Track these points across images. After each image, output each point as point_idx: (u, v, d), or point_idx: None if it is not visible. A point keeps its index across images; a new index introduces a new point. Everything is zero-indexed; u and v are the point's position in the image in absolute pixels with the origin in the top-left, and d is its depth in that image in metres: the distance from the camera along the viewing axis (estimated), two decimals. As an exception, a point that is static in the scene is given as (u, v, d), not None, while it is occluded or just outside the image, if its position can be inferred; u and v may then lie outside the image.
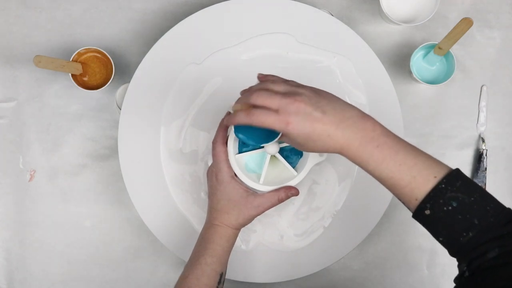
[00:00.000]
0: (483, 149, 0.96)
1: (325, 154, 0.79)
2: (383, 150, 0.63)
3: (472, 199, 0.60)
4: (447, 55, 0.92)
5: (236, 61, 0.91)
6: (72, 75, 0.91)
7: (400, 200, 0.65)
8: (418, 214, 0.63)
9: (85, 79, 0.93)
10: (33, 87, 0.96)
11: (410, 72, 0.94)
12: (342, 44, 0.91)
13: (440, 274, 0.95)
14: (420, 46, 0.92)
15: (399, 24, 0.93)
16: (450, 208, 0.60)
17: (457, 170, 0.63)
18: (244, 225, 0.78)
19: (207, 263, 0.75)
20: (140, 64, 0.89)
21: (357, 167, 0.90)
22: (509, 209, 0.62)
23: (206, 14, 0.90)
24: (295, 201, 0.89)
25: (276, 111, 0.63)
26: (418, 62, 0.95)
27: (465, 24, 0.85)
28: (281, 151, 0.80)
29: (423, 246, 0.95)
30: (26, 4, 0.97)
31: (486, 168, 0.96)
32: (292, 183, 0.78)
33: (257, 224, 0.89)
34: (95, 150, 0.95)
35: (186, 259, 0.86)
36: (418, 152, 0.64)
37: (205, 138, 0.90)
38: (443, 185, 0.61)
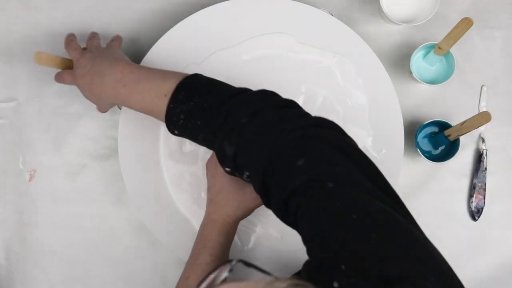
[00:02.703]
0: (483, 149, 0.96)
1: None
2: (129, 87, 0.72)
3: (192, 104, 0.66)
4: (447, 55, 0.92)
5: (236, 61, 0.91)
6: None
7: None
8: (171, 132, 0.71)
9: None
10: (33, 87, 0.96)
11: (410, 72, 0.94)
12: (342, 44, 0.91)
13: (440, 274, 0.95)
14: (420, 46, 0.92)
15: (399, 24, 0.93)
16: (181, 122, 0.68)
17: (186, 79, 0.69)
18: (242, 218, 0.78)
19: (207, 262, 0.75)
20: (140, 64, 0.89)
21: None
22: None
23: (206, 14, 0.90)
24: (295, 201, 0.89)
25: None
26: (418, 62, 0.95)
27: (465, 24, 0.85)
28: None
29: (423, 246, 0.95)
30: (26, 4, 0.97)
31: (486, 168, 0.96)
32: None
33: (257, 224, 0.89)
34: (95, 150, 0.95)
35: (186, 259, 0.86)
36: (156, 75, 0.71)
37: (205, 138, 0.90)
38: (171, 105, 0.67)
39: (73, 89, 0.95)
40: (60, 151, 0.95)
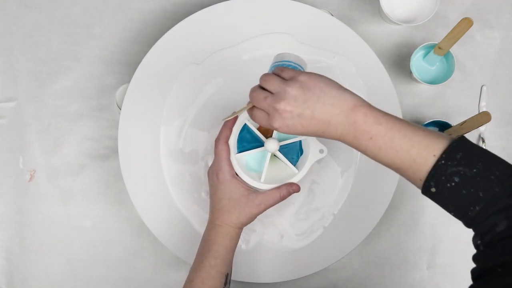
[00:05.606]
0: (483, 149, 0.96)
1: (325, 151, 0.79)
2: (377, 141, 0.63)
3: (475, 170, 0.59)
4: (447, 55, 0.92)
5: (236, 61, 0.91)
6: None
7: (408, 180, 0.64)
8: (426, 193, 0.62)
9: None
10: (33, 87, 0.96)
11: (410, 72, 0.94)
12: (342, 44, 0.91)
13: (440, 274, 0.95)
14: (420, 46, 0.92)
15: (399, 24, 0.93)
16: (453, 184, 0.59)
17: (458, 140, 0.61)
18: (246, 224, 0.78)
19: (211, 265, 0.74)
20: (140, 64, 0.89)
21: (356, 167, 0.90)
22: None
23: (206, 14, 0.90)
24: (295, 201, 0.89)
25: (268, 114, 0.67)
26: (418, 62, 0.95)
27: (465, 24, 0.85)
28: (282, 149, 0.79)
29: (423, 246, 0.95)
30: (26, 4, 0.97)
31: (486, 168, 0.96)
32: (293, 180, 0.78)
33: (257, 224, 0.89)
34: (95, 150, 0.95)
35: (186, 259, 0.86)
36: (415, 132, 0.62)
37: (205, 138, 0.90)
38: (443, 161, 0.59)
39: (73, 89, 0.96)
40: (60, 151, 0.95)
